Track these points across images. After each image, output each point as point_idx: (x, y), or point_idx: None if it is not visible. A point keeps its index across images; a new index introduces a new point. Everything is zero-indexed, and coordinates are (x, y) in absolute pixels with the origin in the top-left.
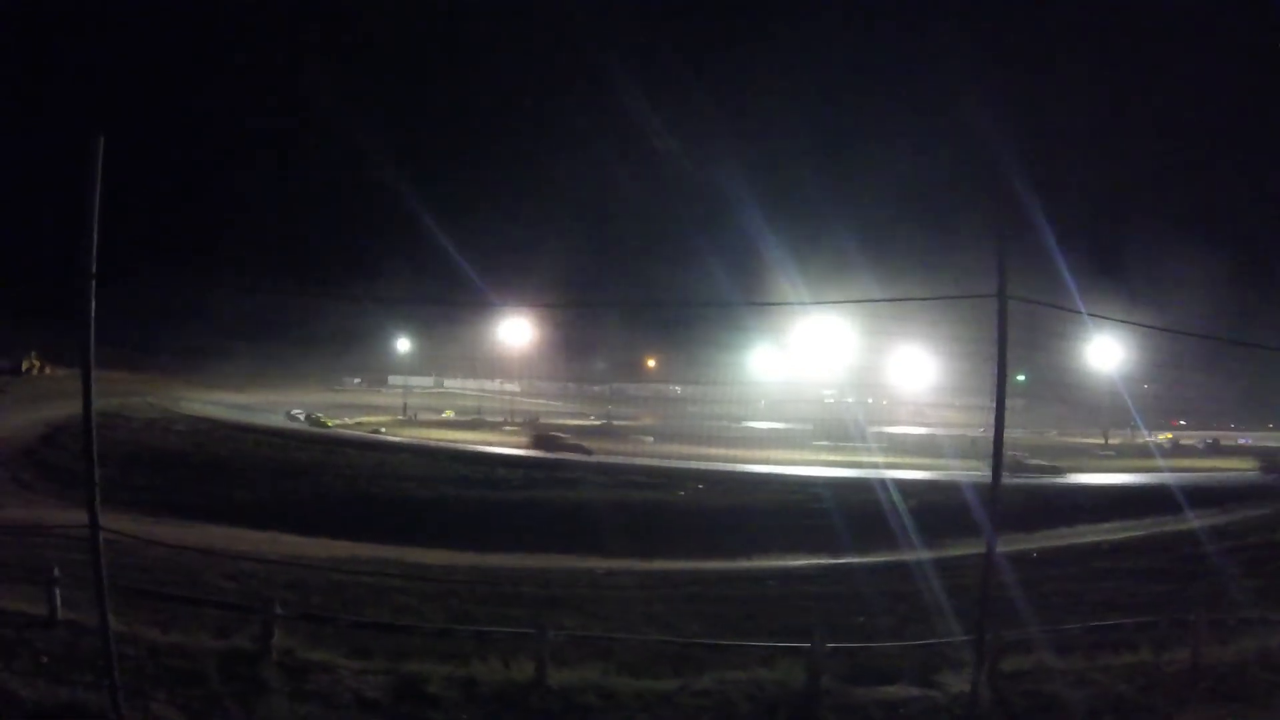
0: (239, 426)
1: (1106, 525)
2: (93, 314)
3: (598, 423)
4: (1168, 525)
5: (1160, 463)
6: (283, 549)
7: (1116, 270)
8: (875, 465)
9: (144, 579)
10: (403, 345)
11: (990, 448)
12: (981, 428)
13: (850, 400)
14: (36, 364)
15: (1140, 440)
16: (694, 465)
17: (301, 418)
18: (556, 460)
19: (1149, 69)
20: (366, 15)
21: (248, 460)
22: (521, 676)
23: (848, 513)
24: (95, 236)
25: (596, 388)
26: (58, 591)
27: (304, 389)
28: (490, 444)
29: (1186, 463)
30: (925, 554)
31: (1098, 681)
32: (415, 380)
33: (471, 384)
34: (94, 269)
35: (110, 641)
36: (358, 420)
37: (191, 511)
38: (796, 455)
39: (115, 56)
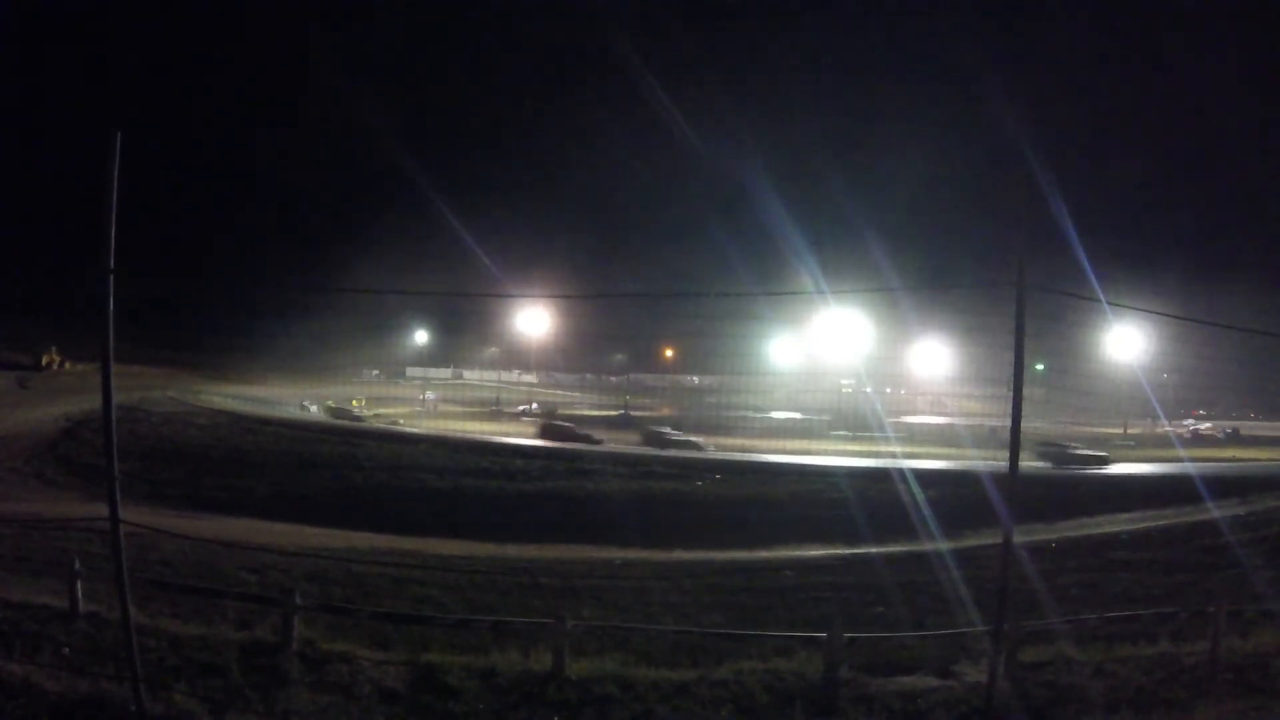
0: (259, 420)
1: (1126, 516)
2: (111, 308)
3: (615, 413)
4: (1188, 516)
5: (1180, 452)
6: (303, 541)
7: (1139, 259)
8: (893, 455)
9: (166, 572)
10: (421, 337)
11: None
12: (1000, 417)
13: (868, 390)
14: (56, 359)
15: (1160, 430)
16: (712, 456)
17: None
18: (574, 451)
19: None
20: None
21: (268, 453)
22: (540, 667)
23: (866, 503)
24: (113, 231)
25: (614, 378)
26: (79, 584)
27: (322, 381)
28: (508, 434)
29: (1207, 452)
30: (944, 544)
31: (1116, 673)
32: (433, 372)
33: (490, 375)
34: (112, 264)
35: (131, 633)
36: (375, 412)
37: (213, 504)
38: (815, 445)
39: (135, 53)
